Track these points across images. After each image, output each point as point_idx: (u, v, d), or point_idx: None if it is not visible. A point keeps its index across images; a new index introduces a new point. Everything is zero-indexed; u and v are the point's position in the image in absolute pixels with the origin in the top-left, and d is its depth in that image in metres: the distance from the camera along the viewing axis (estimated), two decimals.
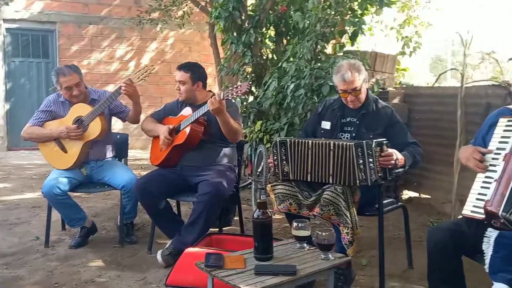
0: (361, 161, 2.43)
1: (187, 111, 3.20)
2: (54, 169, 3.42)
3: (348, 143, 2.46)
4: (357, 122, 2.76)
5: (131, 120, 3.56)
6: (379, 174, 2.42)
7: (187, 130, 3.07)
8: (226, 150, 3.21)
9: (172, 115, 3.33)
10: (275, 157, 2.65)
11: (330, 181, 2.52)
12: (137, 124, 3.68)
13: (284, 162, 2.63)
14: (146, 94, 8.97)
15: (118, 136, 3.82)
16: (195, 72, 3.18)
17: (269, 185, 2.67)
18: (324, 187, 2.52)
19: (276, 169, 2.65)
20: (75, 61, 8.54)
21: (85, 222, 3.48)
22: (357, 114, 2.78)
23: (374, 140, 2.42)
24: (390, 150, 2.47)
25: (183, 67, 3.19)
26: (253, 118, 4.85)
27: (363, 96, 2.76)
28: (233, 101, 2.84)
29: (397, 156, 2.49)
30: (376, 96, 2.91)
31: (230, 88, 2.84)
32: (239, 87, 2.80)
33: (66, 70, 3.35)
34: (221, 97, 2.84)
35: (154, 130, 3.30)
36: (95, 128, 3.35)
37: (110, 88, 8.32)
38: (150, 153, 3.38)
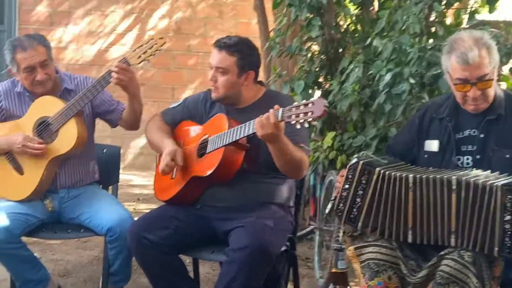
0: (508, 217, 2.39)
1: (220, 121, 3.13)
2: (1, 200, 3.44)
3: (488, 182, 2.42)
4: (481, 135, 2.76)
5: (126, 124, 3.57)
6: None
7: (218, 156, 3.04)
8: (280, 184, 3.19)
9: (195, 119, 3.32)
10: (348, 185, 2.66)
11: (452, 243, 2.50)
12: (135, 131, 3.69)
13: (358, 199, 2.64)
14: (150, 83, 9.03)
15: (104, 150, 3.84)
16: (246, 55, 3.14)
17: (351, 248, 2.64)
18: (442, 253, 2.49)
19: (341, 204, 2.68)
20: (43, 30, 8.73)
21: (48, 286, 3.47)
22: (480, 122, 2.77)
23: None
24: None
25: (227, 45, 3.13)
26: (320, 127, 4.79)
27: (492, 91, 2.75)
28: (298, 126, 2.74)
29: None
30: (508, 91, 2.92)
31: (295, 105, 2.73)
32: (309, 105, 2.68)
33: (26, 42, 3.38)
34: (278, 118, 2.77)
35: (160, 143, 3.29)
36: (68, 137, 3.35)
37: (95, 73, 8.45)
38: (154, 179, 3.39)
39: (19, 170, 3.41)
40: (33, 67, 3.36)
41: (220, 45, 3.13)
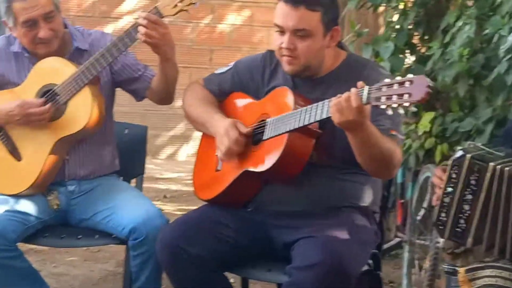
0: None
1: (284, 96, 3.12)
2: None
3: None
4: None
5: (155, 96, 3.60)
6: None
7: (280, 145, 3.03)
8: (362, 182, 3.21)
9: (249, 91, 3.32)
10: (451, 187, 2.63)
11: None
12: (168, 105, 3.75)
13: (467, 207, 2.62)
14: (182, 43, 9.07)
15: (126, 131, 3.89)
16: (329, 6, 3.09)
17: (462, 270, 2.62)
18: None
19: (443, 213, 2.66)
20: None
21: None
22: None
23: None
24: None
25: None
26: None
27: None
28: (390, 111, 2.65)
29: None
30: None
31: (386, 84, 2.66)
32: (406, 84, 2.60)
33: None
34: (363, 100, 2.71)
35: (204, 119, 3.31)
36: (80, 112, 3.39)
37: (112, 28, 8.51)
38: (193, 171, 3.42)
39: (16, 154, 3.45)
40: (34, 20, 3.38)
41: None
